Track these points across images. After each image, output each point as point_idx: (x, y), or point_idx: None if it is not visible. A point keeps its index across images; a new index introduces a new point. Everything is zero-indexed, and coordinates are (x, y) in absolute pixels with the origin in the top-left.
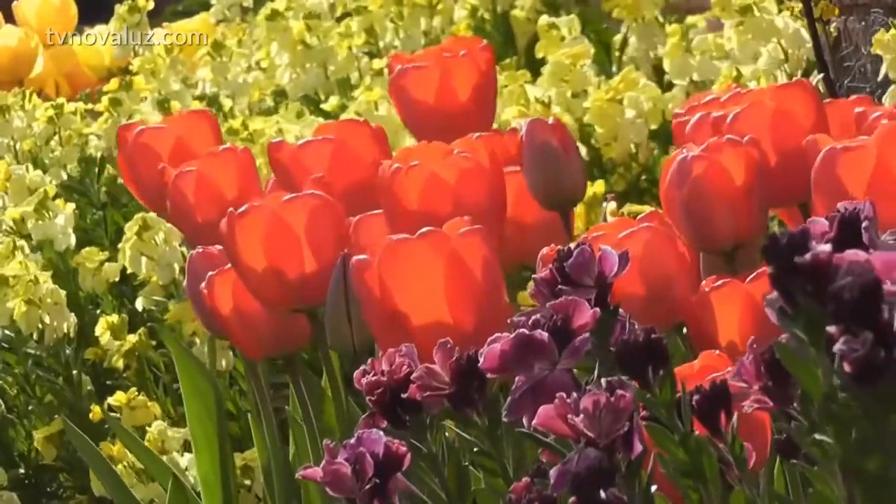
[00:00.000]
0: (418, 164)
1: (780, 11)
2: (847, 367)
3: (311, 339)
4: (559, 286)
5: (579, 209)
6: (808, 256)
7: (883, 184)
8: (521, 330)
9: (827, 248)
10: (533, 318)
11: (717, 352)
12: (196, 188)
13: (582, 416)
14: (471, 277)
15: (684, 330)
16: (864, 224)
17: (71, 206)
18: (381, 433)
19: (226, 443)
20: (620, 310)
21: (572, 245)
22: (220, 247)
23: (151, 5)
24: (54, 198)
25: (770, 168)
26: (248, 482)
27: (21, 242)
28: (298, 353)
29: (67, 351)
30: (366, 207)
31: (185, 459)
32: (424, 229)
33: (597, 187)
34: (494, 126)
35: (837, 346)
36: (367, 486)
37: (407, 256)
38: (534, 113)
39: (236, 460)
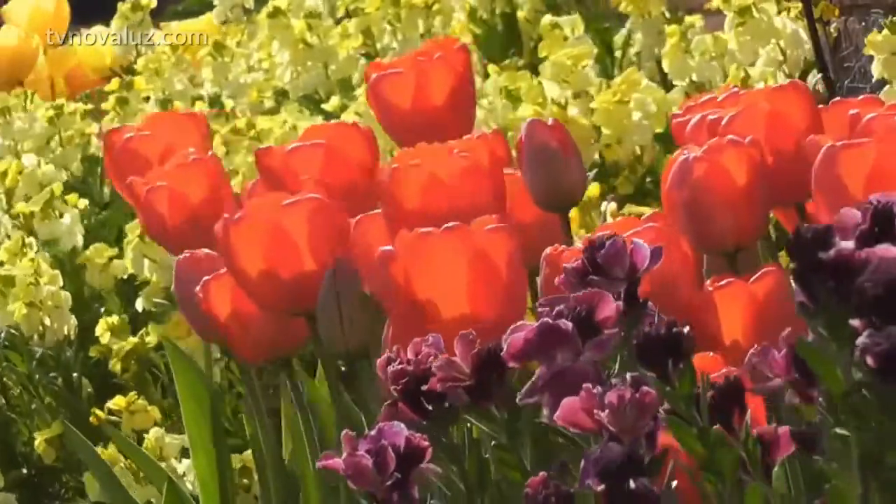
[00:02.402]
0: (418, 165)
1: (779, 12)
2: (870, 361)
3: (308, 341)
4: (590, 276)
5: (573, 213)
6: (831, 253)
7: (882, 182)
8: (545, 319)
9: (850, 244)
10: (557, 308)
11: (711, 354)
12: (168, 200)
13: (607, 410)
14: (496, 274)
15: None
16: None
17: (83, 202)
18: (403, 425)
19: (223, 444)
20: (650, 303)
21: (604, 235)
22: (206, 251)
23: (154, 4)
24: (60, 196)
25: (766, 169)
26: (246, 482)
27: (30, 240)
28: (294, 355)
29: (68, 353)
30: (357, 210)
31: (182, 465)
32: (450, 224)
33: (592, 190)
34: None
35: (861, 340)
36: (390, 481)
37: (433, 250)
38: (549, 113)
39: (234, 461)
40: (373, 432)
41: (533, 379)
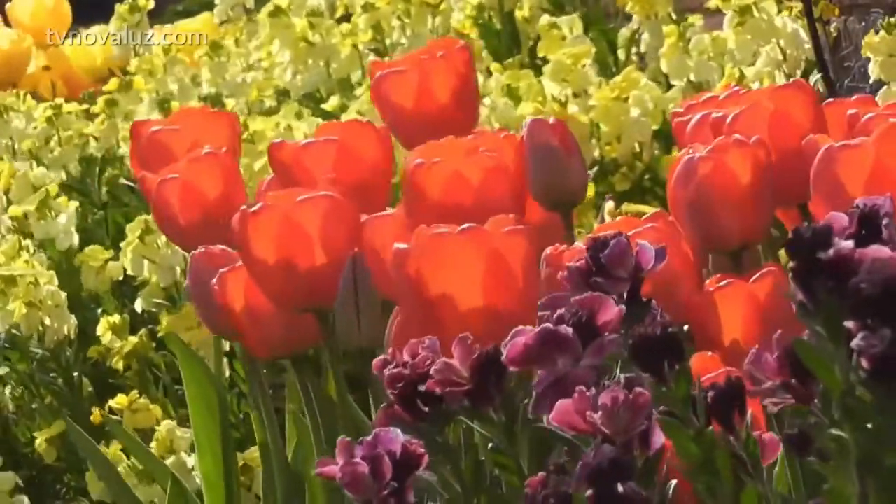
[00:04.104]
0: (441, 161)
1: (779, 11)
2: (865, 363)
3: (319, 338)
4: (593, 277)
5: None
6: (830, 252)
7: (881, 183)
8: (546, 324)
9: (850, 244)
10: (558, 313)
11: (710, 353)
12: (180, 193)
13: (600, 412)
14: (510, 276)
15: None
16: (883, 220)
17: (74, 204)
18: (399, 432)
19: (229, 443)
20: (653, 302)
21: (607, 235)
22: (221, 247)
23: (152, 5)
24: (56, 196)
25: (770, 168)
26: (248, 482)
27: (26, 242)
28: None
29: (68, 353)
30: (368, 208)
31: (191, 459)
32: (466, 225)
33: (587, 190)
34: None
35: (855, 342)
36: (387, 489)
37: (448, 250)
38: (549, 111)
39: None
40: (369, 439)
41: (535, 384)
